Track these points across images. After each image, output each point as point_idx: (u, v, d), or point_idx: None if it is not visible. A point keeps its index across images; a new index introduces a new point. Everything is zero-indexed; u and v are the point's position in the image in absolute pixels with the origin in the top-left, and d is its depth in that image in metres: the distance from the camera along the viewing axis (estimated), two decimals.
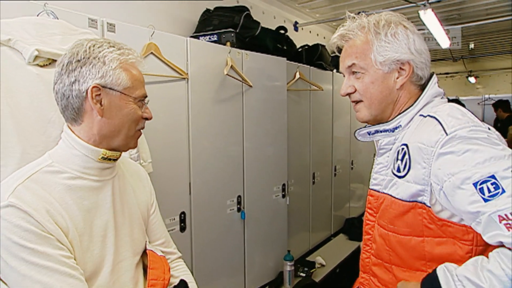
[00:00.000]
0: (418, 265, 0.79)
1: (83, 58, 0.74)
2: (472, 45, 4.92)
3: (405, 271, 0.82)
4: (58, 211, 0.71)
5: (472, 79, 7.11)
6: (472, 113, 0.78)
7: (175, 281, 0.93)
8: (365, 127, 0.91)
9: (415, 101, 0.84)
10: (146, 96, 0.83)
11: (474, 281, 0.63)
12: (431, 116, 0.77)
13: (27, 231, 0.66)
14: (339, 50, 0.90)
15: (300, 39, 3.00)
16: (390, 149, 0.86)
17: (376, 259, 0.89)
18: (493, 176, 0.64)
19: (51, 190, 0.73)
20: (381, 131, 0.87)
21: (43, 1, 1.15)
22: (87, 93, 0.74)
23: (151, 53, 1.47)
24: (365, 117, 0.88)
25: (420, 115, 0.82)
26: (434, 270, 0.71)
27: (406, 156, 0.78)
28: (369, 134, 0.90)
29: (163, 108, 1.53)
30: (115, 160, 0.82)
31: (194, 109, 1.65)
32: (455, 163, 0.68)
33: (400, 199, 0.80)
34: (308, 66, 2.61)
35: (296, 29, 3.20)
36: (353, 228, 3.10)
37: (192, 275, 1.02)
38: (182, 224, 1.62)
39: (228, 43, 1.88)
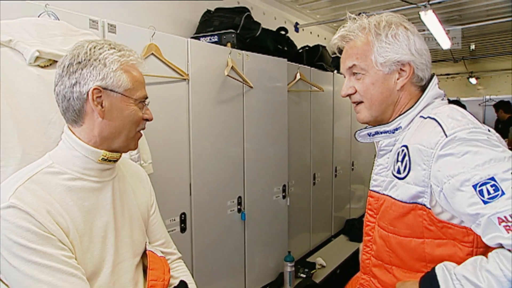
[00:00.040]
0: (418, 267, 0.79)
1: (84, 60, 0.74)
2: (473, 46, 4.91)
3: (406, 273, 0.82)
4: (58, 212, 0.71)
5: (473, 80, 7.10)
6: (473, 114, 0.77)
7: (175, 282, 0.93)
8: (365, 128, 0.91)
9: (415, 103, 0.84)
10: (146, 97, 0.83)
11: (473, 280, 0.64)
12: (431, 118, 0.77)
13: (29, 232, 0.66)
14: (340, 51, 0.90)
15: (300, 40, 3.00)
16: (390, 151, 0.86)
17: (377, 260, 0.89)
18: (492, 178, 0.64)
19: (52, 191, 0.73)
20: (381, 133, 0.87)
21: (44, 0, 1.15)
22: (88, 95, 0.74)
23: (152, 54, 1.47)
24: (365, 118, 0.88)
25: (421, 116, 0.82)
26: (433, 269, 0.71)
27: (406, 158, 0.78)
28: (369, 136, 0.90)
29: (164, 109, 1.53)
30: (115, 161, 0.83)
31: (194, 110, 1.65)
32: (455, 165, 0.68)
33: (400, 201, 0.79)
34: (309, 67, 2.61)
35: (296, 30, 3.20)
36: (353, 229, 3.10)
37: (193, 276, 1.02)
38: (183, 225, 1.62)
39: (229, 44, 1.88)
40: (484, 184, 0.64)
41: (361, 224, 0.95)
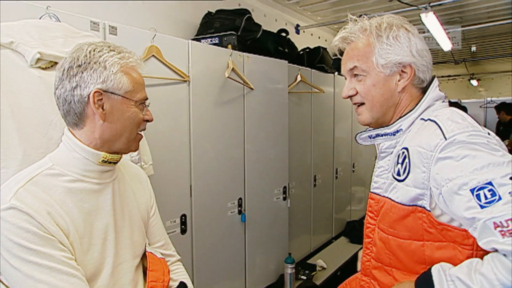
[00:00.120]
0: (418, 269, 0.79)
1: (84, 63, 0.75)
2: (474, 48, 4.91)
3: (406, 275, 0.82)
4: (59, 214, 0.72)
5: (474, 82, 7.10)
6: (473, 117, 0.77)
7: (174, 284, 0.92)
8: (366, 130, 0.91)
9: (416, 105, 0.83)
10: (147, 99, 0.84)
11: (466, 282, 0.64)
12: (432, 120, 0.77)
13: (29, 233, 0.66)
14: (341, 52, 0.90)
15: (301, 42, 3.00)
16: (391, 153, 0.86)
17: (376, 262, 0.89)
18: (490, 183, 0.64)
19: (52, 192, 0.73)
20: (382, 135, 0.87)
21: (46, 0, 1.15)
22: (89, 98, 0.75)
23: (153, 55, 1.47)
24: (366, 120, 0.88)
25: (421, 119, 0.82)
26: (429, 269, 0.72)
27: (406, 160, 0.78)
28: (370, 138, 0.90)
29: (165, 110, 1.53)
30: (115, 163, 0.83)
31: (195, 111, 1.66)
32: (453, 168, 0.68)
33: (400, 203, 0.79)
34: (310, 68, 2.62)
35: (297, 31, 3.20)
36: (354, 231, 3.09)
37: (193, 277, 1.02)
38: (183, 227, 1.62)
39: (230, 46, 1.89)
40: (482, 188, 0.64)
41: (362, 226, 0.95)
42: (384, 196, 0.85)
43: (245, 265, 1.98)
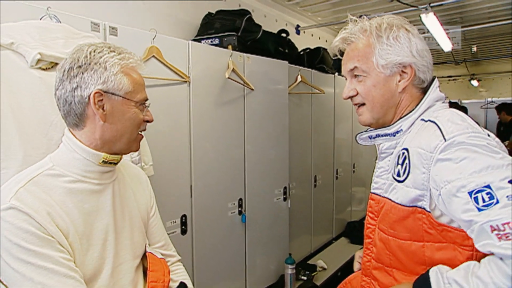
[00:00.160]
0: (419, 270, 0.79)
1: (84, 64, 0.75)
2: (474, 48, 4.91)
3: (406, 275, 0.82)
4: (59, 214, 0.72)
5: (474, 82, 7.09)
6: (473, 118, 0.77)
7: (174, 285, 0.92)
8: (366, 131, 0.91)
9: (416, 105, 0.83)
10: (147, 99, 0.84)
11: (462, 284, 0.64)
12: (432, 121, 0.77)
13: (29, 233, 0.66)
14: (341, 53, 0.90)
15: (301, 43, 3.00)
16: (391, 153, 0.86)
17: (377, 263, 0.89)
18: (488, 186, 0.64)
19: (52, 193, 0.73)
20: (382, 135, 0.87)
21: (46, 0, 1.16)
22: (89, 98, 0.75)
23: (153, 56, 1.47)
24: (367, 120, 0.88)
25: (421, 119, 0.82)
26: (427, 271, 0.72)
27: (406, 161, 0.78)
28: (370, 138, 0.90)
29: (165, 111, 1.53)
30: (115, 163, 0.83)
31: (195, 112, 1.66)
32: (452, 170, 0.68)
33: (399, 204, 0.79)
34: (310, 69, 2.62)
35: (298, 32, 3.20)
36: (354, 231, 3.09)
37: (193, 277, 1.02)
38: (183, 227, 1.62)
39: (230, 47, 1.89)
40: (480, 191, 0.64)
41: (362, 226, 0.95)
42: (384, 197, 0.85)
43: (246, 266, 1.98)
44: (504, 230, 0.60)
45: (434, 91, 0.84)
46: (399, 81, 0.83)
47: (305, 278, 2.31)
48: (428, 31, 2.94)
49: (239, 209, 1.92)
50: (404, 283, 0.79)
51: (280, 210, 2.22)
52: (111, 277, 0.79)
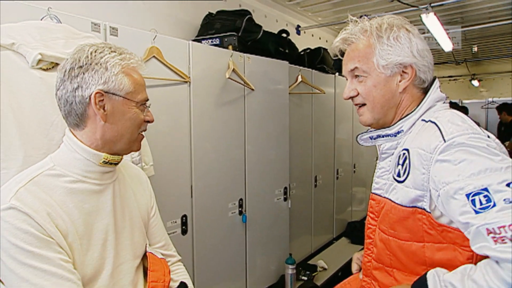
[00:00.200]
0: (419, 270, 0.79)
1: (85, 64, 0.75)
2: (475, 48, 4.90)
3: (406, 276, 0.82)
4: (58, 214, 0.72)
5: (475, 83, 7.08)
6: (472, 119, 0.77)
7: (175, 285, 0.92)
8: (367, 131, 0.91)
9: (417, 105, 0.83)
10: (147, 100, 0.84)
11: (458, 287, 0.65)
12: (432, 122, 0.77)
13: (27, 234, 0.66)
14: (342, 53, 0.90)
15: (302, 43, 3.00)
16: (392, 154, 0.86)
17: (377, 263, 0.89)
18: (486, 189, 0.64)
19: (52, 193, 0.73)
20: (383, 136, 0.87)
21: (47, 1, 1.16)
22: (90, 99, 0.75)
23: (154, 56, 1.47)
24: (368, 120, 0.88)
25: (422, 120, 0.82)
26: (425, 273, 0.72)
27: (407, 161, 0.78)
28: (371, 139, 0.90)
29: (165, 111, 1.54)
30: (116, 164, 0.83)
31: (196, 112, 1.66)
32: (451, 172, 0.68)
33: (400, 204, 0.79)
34: (310, 69, 2.62)
35: (298, 32, 3.20)
36: (355, 231, 3.09)
37: (194, 278, 1.02)
38: (184, 227, 1.62)
39: (230, 47, 1.89)
40: (477, 194, 0.64)
41: (363, 226, 0.95)
42: (384, 197, 0.85)
43: (246, 266, 1.98)
44: (500, 234, 0.60)
45: (435, 92, 0.84)
46: (400, 81, 0.83)
47: (305, 278, 2.31)
48: (429, 31, 2.94)
49: (240, 209, 1.92)
50: (403, 284, 0.79)
51: (281, 210, 2.22)
52: (111, 277, 0.79)
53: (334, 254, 2.80)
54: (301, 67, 2.47)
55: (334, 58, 0.94)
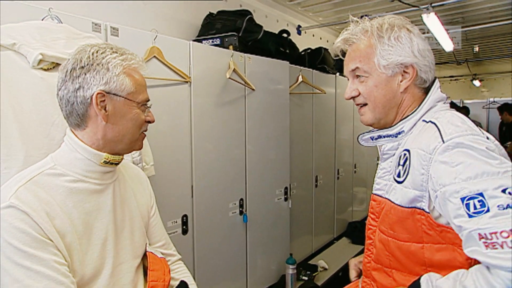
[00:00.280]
0: (418, 270, 0.79)
1: (87, 64, 0.75)
2: (476, 48, 4.89)
3: (406, 276, 0.82)
4: (57, 214, 0.72)
5: (476, 83, 7.07)
6: (474, 120, 0.77)
7: (176, 284, 0.93)
8: (368, 132, 0.91)
9: (418, 106, 0.83)
10: (148, 100, 0.84)
11: None
12: (432, 122, 0.77)
13: (24, 233, 0.66)
14: (343, 53, 0.90)
15: (303, 43, 3.00)
16: (393, 154, 0.86)
17: (376, 264, 0.89)
18: (481, 194, 0.64)
19: (53, 192, 0.73)
20: (384, 136, 0.87)
21: (48, 1, 1.16)
22: (91, 99, 0.75)
23: (154, 56, 1.47)
24: (369, 120, 0.88)
25: (423, 120, 0.82)
26: (419, 278, 0.73)
27: (407, 162, 0.78)
28: (372, 139, 0.90)
29: (166, 111, 1.54)
30: (117, 164, 0.83)
31: (196, 112, 1.66)
32: (448, 174, 0.68)
33: (399, 205, 0.79)
34: (311, 69, 2.62)
35: (299, 32, 3.20)
36: (355, 232, 3.09)
37: (194, 277, 1.02)
38: (184, 227, 1.62)
39: (231, 47, 1.89)
40: (472, 198, 0.64)
41: (364, 227, 0.95)
42: (385, 198, 0.85)
43: (247, 266, 1.98)
44: (491, 239, 0.61)
45: (436, 92, 0.84)
46: (401, 81, 0.83)
47: (306, 278, 2.31)
48: (429, 31, 2.94)
49: (240, 209, 1.92)
50: (399, 287, 0.80)
51: (281, 210, 2.22)
52: (111, 277, 0.79)
53: (335, 254, 2.80)
54: (301, 67, 2.47)
55: (335, 58, 0.94)
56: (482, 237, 0.62)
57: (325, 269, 2.50)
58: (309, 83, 2.53)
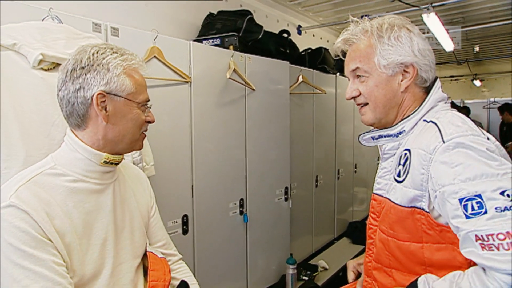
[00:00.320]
0: (418, 270, 0.79)
1: (87, 65, 0.75)
2: (477, 48, 4.89)
3: (405, 276, 0.82)
4: (57, 214, 0.72)
5: (477, 82, 7.07)
6: (475, 120, 0.77)
7: (177, 283, 0.92)
8: (369, 131, 0.91)
9: (419, 105, 0.83)
10: (148, 100, 0.84)
11: None
12: (433, 122, 0.77)
13: (24, 232, 0.66)
14: (344, 54, 0.90)
15: (303, 43, 3.00)
16: (394, 154, 0.86)
17: (376, 263, 0.89)
18: (479, 196, 0.64)
19: (53, 192, 0.73)
20: (384, 136, 0.87)
21: (48, 1, 1.16)
22: (92, 99, 0.75)
23: (154, 56, 1.48)
24: (370, 120, 0.88)
25: (424, 120, 0.82)
26: (416, 279, 0.73)
27: (408, 162, 0.78)
28: (373, 139, 0.90)
29: (166, 111, 1.54)
30: (117, 164, 0.83)
31: (197, 112, 1.66)
32: (448, 174, 0.68)
33: (399, 205, 0.79)
34: (311, 69, 2.62)
35: (299, 32, 3.20)
36: (356, 232, 3.09)
37: (194, 277, 1.02)
38: (185, 227, 1.62)
39: (231, 47, 1.89)
40: (470, 199, 0.64)
41: (364, 226, 0.95)
42: (385, 197, 0.85)
43: (247, 266, 1.98)
44: (488, 241, 0.61)
45: (437, 92, 0.84)
46: (401, 81, 0.83)
47: (306, 278, 2.31)
48: (430, 31, 2.94)
49: (241, 209, 1.92)
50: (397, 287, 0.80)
51: (282, 210, 2.22)
52: (111, 277, 0.79)
53: (335, 254, 2.80)
54: (302, 67, 2.47)
55: (335, 58, 0.95)
56: (479, 239, 0.62)
57: (326, 269, 2.50)
58: (310, 83, 2.53)
